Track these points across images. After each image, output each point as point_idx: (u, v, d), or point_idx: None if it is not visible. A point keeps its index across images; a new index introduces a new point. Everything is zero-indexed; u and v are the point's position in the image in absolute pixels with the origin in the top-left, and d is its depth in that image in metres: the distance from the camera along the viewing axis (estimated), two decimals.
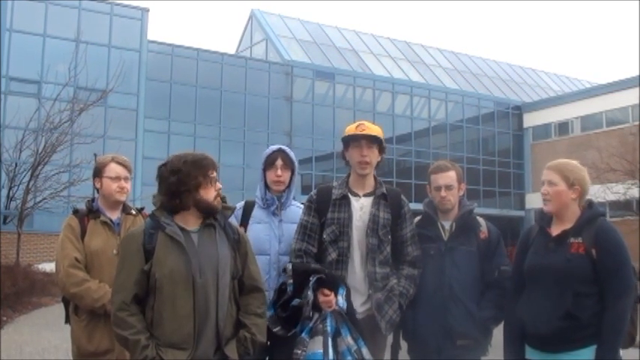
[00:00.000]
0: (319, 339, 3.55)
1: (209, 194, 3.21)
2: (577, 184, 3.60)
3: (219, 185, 3.23)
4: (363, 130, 3.90)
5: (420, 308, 3.95)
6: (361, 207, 3.94)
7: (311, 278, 3.65)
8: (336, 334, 3.60)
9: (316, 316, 3.61)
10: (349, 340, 3.59)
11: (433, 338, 3.93)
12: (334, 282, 3.69)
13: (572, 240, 3.52)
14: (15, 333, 11.12)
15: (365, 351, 3.60)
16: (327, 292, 3.61)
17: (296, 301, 3.63)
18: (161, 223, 3.20)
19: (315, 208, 4.00)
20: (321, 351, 3.52)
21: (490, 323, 3.96)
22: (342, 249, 3.87)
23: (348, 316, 3.65)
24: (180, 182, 3.17)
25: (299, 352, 3.53)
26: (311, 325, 3.59)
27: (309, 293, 3.61)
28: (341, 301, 3.66)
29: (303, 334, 3.57)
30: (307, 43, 37.58)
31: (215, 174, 3.25)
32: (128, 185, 4.26)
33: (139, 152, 29.72)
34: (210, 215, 3.25)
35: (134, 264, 3.16)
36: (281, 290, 3.72)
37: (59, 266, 4.06)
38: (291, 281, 3.67)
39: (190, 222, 3.25)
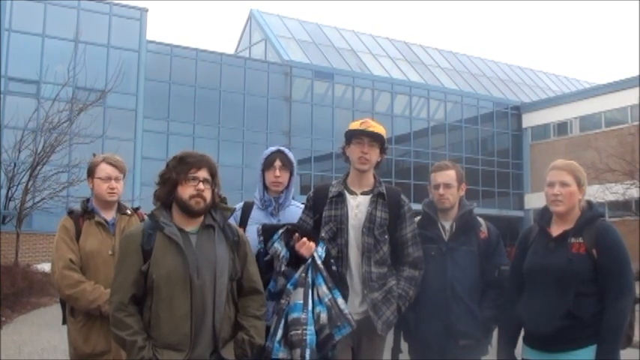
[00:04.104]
0: (300, 290, 3.58)
1: (184, 192, 3.20)
2: (584, 184, 3.61)
3: (201, 187, 3.20)
4: (367, 127, 3.89)
5: (421, 308, 3.94)
6: (357, 205, 3.92)
7: (278, 231, 3.69)
8: (313, 284, 3.62)
9: (301, 267, 3.62)
10: (324, 289, 3.59)
11: (435, 338, 3.93)
12: (309, 233, 3.71)
13: (572, 240, 3.53)
14: (14, 333, 11.11)
15: (341, 301, 3.60)
16: (304, 239, 3.63)
17: (267, 257, 3.66)
18: (160, 224, 3.19)
19: (311, 206, 4.01)
20: (302, 302, 3.55)
21: (491, 323, 3.97)
22: (340, 246, 3.86)
23: (324, 266, 3.65)
24: (163, 173, 3.26)
25: (283, 302, 3.55)
26: (296, 276, 3.60)
27: (277, 246, 3.64)
28: (320, 250, 3.68)
29: (289, 285, 3.58)
30: (306, 43, 37.58)
31: (200, 173, 3.22)
32: (119, 186, 4.22)
33: (138, 152, 29.74)
34: (190, 214, 3.23)
35: (132, 264, 3.16)
36: (257, 255, 3.71)
37: (54, 268, 4.06)
38: (261, 238, 3.69)
39: (189, 223, 3.25)
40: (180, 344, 3.09)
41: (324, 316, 3.54)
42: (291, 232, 3.68)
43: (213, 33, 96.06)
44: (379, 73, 37.92)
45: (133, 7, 31.85)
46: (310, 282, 3.60)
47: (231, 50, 39.90)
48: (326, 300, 3.58)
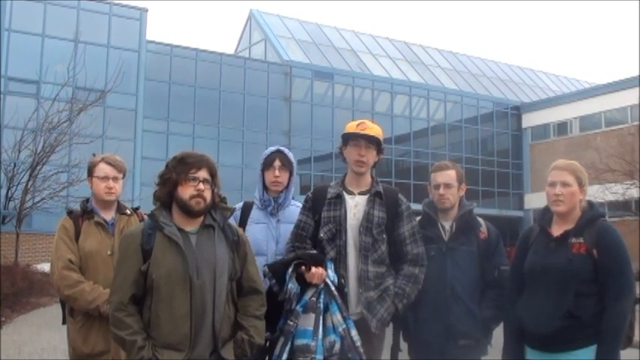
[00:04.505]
0: (311, 316, 3.53)
1: (184, 192, 3.20)
2: (585, 184, 3.62)
3: (201, 187, 3.20)
4: (364, 129, 3.89)
5: (421, 308, 3.95)
6: (355, 205, 3.93)
7: (289, 270, 3.62)
8: (326, 310, 3.57)
9: (312, 290, 3.58)
10: (338, 317, 3.56)
11: (435, 338, 3.94)
12: (317, 259, 3.66)
13: (573, 240, 3.53)
14: (14, 333, 11.11)
15: (354, 333, 3.57)
16: (313, 268, 3.58)
17: (282, 297, 3.60)
18: (159, 224, 3.19)
19: (310, 207, 4.01)
20: (312, 328, 3.50)
21: (491, 323, 3.98)
22: (339, 247, 3.86)
23: (338, 292, 3.61)
24: (163, 173, 3.26)
25: (291, 323, 3.52)
26: (307, 298, 3.56)
27: (291, 286, 3.57)
28: (331, 274, 3.65)
29: (298, 307, 3.54)
30: (306, 43, 37.58)
31: (200, 174, 3.22)
32: (117, 185, 4.21)
33: (138, 152, 29.74)
34: (190, 214, 3.23)
35: (132, 264, 3.16)
36: (271, 294, 3.64)
37: (53, 268, 4.06)
38: (274, 281, 3.64)
39: (189, 223, 3.25)
40: (179, 344, 3.09)
41: (337, 347, 3.52)
42: (299, 264, 3.62)
43: (213, 33, 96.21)
44: (379, 73, 37.92)
45: (133, 7, 31.85)
46: (322, 308, 3.56)
47: (231, 50, 39.93)
48: (340, 329, 3.55)
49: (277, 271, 3.64)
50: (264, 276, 3.68)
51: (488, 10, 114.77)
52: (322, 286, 3.59)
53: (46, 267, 18.04)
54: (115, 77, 20.85)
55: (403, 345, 4.11)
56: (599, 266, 3.44)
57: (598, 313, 3.42)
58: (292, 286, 3.58)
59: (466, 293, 3.96)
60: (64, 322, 4.18)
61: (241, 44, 39.86)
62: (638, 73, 35.31)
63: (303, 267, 3.60)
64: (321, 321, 3.52)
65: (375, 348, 3.89)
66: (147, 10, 32.10)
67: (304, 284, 3.61)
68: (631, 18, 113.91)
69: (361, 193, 3.97)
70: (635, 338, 3.73)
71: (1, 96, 26.04)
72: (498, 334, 3.91)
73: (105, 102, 23.46)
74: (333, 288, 3.60)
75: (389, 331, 3.99)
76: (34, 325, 12.04)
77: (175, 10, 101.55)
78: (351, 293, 3.82)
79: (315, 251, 3.80)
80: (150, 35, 32.41)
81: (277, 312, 3.57)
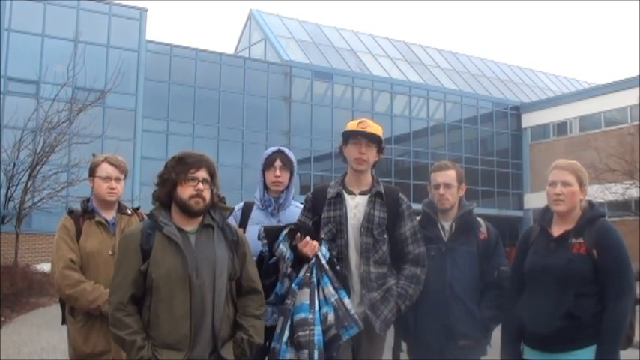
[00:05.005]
0: (306, 290, 3.56)
1: (184, 192, 3.20)
2: (586, 184, 3.62)
3: (200, 187, 3.21)
4: (364, 127, 3.88)
5: (421, 309, 3.94)
6: (356, 205, 3.92)
7: (283, 232, 3.66)
8: (318, 284, 3.60)
9: (305, 266, 3.61)
10: (330, 289, 3.59)
11: (435, 338, 3.93)
12: (311, 232, 3.69)
13: (573, 240, 3.53)
14: (13, 333, 11.12)
15: (347, 301, 3.59)
16: (307, 237, 3.61)
17: (273, 259, 3.64)
18: (159, 223, 3.20)
19: (309, 207, 4.01)
20: (308, 302, 3.53)
21: (491, 323, 3.98)
22: (340, 247, 3.86)
23: (329, 266, 3.64)
24: (162, 174, 3.26)
25: (288, 301, 3.54)
26: (301, 275, 3.59)
27: (282, 247, 3.61)
28: (324, 250, 3.67)
29: (293, 285, 3.57)
30: (306, 43, 37.58)
31: (200, 174, 3.23)
32: (119, 186, 4.22)
33: (137, 152, 29.74)
34: (190, 214, 3.23)
35: (131, 264, 3.16)
36: (260, 258, 3.68)
37: (54, 268, 4.07)
38: (265, 241, 3.67)
39: (188, 222, 3.25)
40: (179, 344, 3.09)
41: (331, 317, 3.53)
42: (294, 231, 3.66)
43: (212, 33, 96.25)
44: (379, 73, 37.92)
45: (133, 7, 31.86)
46: (315, 282, 3.58)
47: (230, 50, 39.94)
48: (332, 300, 3.57)
49: (272, 235, 3.67)
50: (258, 237, 3.70)
51: (488, 10, 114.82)
52: (314, 260, 3.61)
53: (45, 267, 18.05)
54: (115, 77, 20.84)
55: (403, 345, 4.12)
56: (599, 266, 3.44)
57: (598, 313, 3.42)
58: (284, 248, 3.62)
59: (466, 293, 3.96)
60: (63, 322, 4.19)
61: (241, 44, 39.86)
62: (637, 73, 35.33)
63: (298, 233, 3.63)
64: (316, 294, 3.55)
65: (377, 347, 3.89)
66: (147, 10, 32.14)
67: (296, 258, 3.63)
68: (631, 18, 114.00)
69: (362, 193, 3.95)
70: (635, 338, 3.73)
71: (1, 96, 26.04)
72: (497, 334, 3.91)
73: (104, 102, 23.47)
74: (324, 262, 3.63)
75: (390, 331, 3.99)
76: (34, 325, 12.05)
77: (175, 10, 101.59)
78: (352, 293, 3.81)
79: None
80: (150, 35, 32.46)
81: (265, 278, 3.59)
